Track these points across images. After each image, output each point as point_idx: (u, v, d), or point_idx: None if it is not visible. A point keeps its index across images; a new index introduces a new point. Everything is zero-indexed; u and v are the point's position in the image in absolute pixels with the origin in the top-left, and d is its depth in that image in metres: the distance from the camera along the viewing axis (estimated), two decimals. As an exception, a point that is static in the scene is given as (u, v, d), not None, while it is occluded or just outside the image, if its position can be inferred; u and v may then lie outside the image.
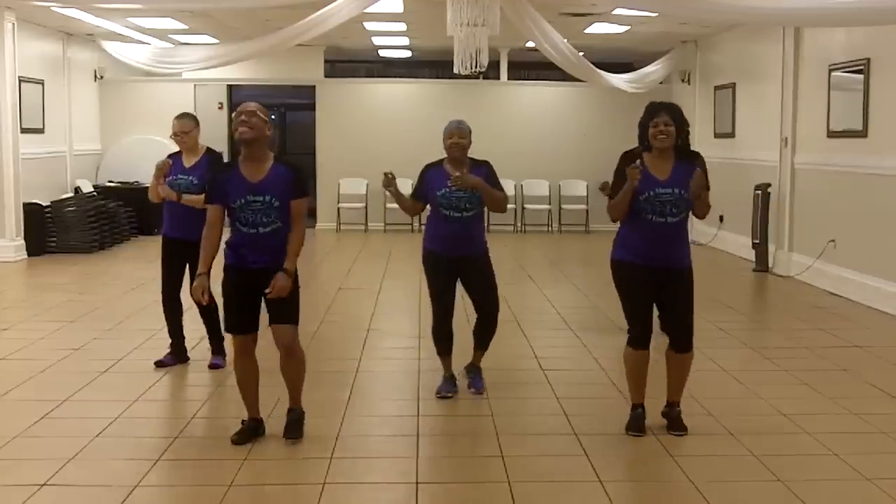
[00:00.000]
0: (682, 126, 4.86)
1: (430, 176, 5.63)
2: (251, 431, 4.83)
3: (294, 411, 4.91)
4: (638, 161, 4.79)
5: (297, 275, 4.80)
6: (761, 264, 11.16)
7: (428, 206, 5.74)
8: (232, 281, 4.76)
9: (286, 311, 4.76)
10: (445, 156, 5.64)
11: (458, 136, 5.55)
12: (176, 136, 6.33)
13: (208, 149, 6.42)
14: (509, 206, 15.24)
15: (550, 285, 10.15)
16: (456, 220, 5.55)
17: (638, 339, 4.96)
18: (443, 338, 5.78)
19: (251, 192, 4.66)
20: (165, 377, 6.15)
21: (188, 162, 6.33)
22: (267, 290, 4.62)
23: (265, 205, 4.65)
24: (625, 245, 4.97)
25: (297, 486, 4.33)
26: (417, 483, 4.32)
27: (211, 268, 4.85)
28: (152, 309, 8.42)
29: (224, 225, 4.81)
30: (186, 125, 6.32)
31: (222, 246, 4.82)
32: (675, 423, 5.03)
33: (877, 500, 4.17)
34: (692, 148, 5.03)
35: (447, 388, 5.73)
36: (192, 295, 4.87)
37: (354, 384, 6.02)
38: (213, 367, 6.31)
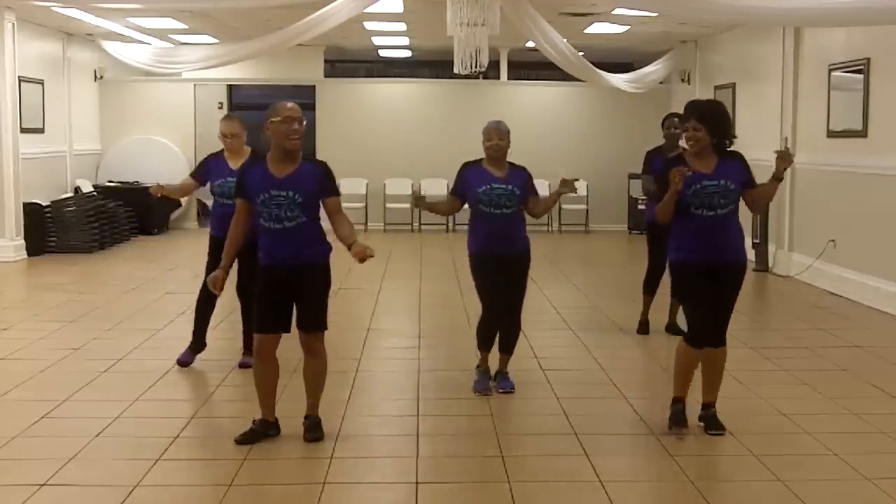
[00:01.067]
0: (716, 125, 4.86)
1: (470, 174, 5.66)
2: (260, 433, 4.81)
3: (311, 418, 4.90)
4: (687, 169, 4.81)
5: (328, 277, 4.84)
6: (761, 264, 11.16)
7: (466, 206, 5.79)
8: (264, 281, 4.78)
9: (316, 317, 4.80)
10: (483, 156, 5.68)
11: (497, 137, 5.60)
12: (225, 137, 6.28)
13: (253, 150, 6.36)
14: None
15: (550, 285, 10.14)
16: (497, 216, 5.59)
17: (695, 339, 4.94)
18: (489, 334, 5.80)
19: (275, 186, 4.66)
20: (165, 377, 6.15)
21: (235, 164, 6.23)
22: (359, 258, 4.58)
23: (288, 199, 4.65)
24: (680, 245, 4.97)
25: (297, 486, 4.33)
26: (417, 483, 4.32)
27: (231, 264, 4.91)
28: (152, 309, 8.43)
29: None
30: (235, 127, 6.27)
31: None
32: (712, 423, 5.02)
33: (877, 500, 4.17)
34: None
35: (485, 386, 5.75)
36: (207, 280, 4.92)
37: (354, 384, 6.03)
38: (243, 365, 6.27)
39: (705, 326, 4.94)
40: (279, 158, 4.71)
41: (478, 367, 5.89)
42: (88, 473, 4.40)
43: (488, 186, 5.55)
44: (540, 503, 4.17)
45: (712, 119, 4.87)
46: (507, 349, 5.91)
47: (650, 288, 7.51)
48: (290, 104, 4.70)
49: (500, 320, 5.74)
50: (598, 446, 4.81)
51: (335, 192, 4.83)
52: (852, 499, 4.21)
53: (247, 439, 4.77)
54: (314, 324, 4.81)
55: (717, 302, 4.96)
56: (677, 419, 5.02)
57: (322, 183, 4.74)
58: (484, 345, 5.85)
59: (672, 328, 7.36)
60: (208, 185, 6.39)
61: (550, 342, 7.30)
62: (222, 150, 6.38)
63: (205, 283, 6.33)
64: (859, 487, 4.29)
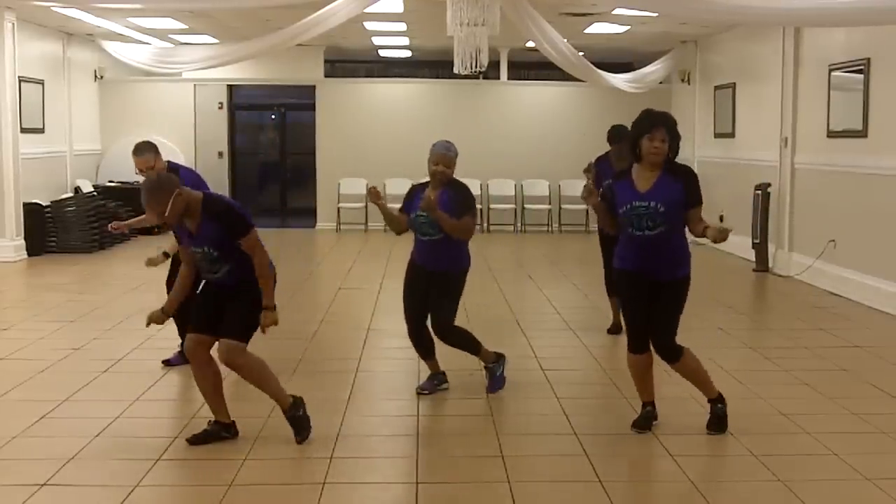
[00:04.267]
0: (675, 141, 4.79)
1: (415, 197, 5.61)
2: (213, 434, 4.80)
3: (288, 414, 4.86)
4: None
5: (255, 293, 4.70)
6: (761, 264, 11.16)
7: None
8: (202, 288, 4.83)
9: (226, 324, 4.67)
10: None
11: (444, 164, 5.53)
12: (142, 172, 5.94)
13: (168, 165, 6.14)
14: (509, 206, 15.39)
15: (550, 285, 10.15)
16: (424, 242, 5.59)
17: (630, 344, 4.98)
18: (414, 343, 5.81)
19: (193, 243, 4.67)
20: (166, 377, 6.15)
21: None
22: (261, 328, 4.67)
23: (206, 255, 4.64)
24: (620, 254, 5.00)
25: (297, 486, 4.33)
26: (417, 483, 4.32)
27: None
28: (152, 309, 8.41)
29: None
30: (149, 160, 5.99)
31: None
32: (711, 422, 5.03)
33: (877, 500, 4.17)
34: (691, 151, 4.97)
35: (425, 385, 5.78)
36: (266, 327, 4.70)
37: (354, 384, 6.02)
38: None
39: (637, 333, 4.93)
40: (189, 216, 4.63)
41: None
42: (88, 473, 4.41)
43: (415, 214, 5.52)
44: (540, 503, 4.17)
45: (675, 135, 4.77)
46: (467, 352, 5.80)
47: (613, 289, 7.46)
48: (148, 197, 4.54)
49: (420, 328, 5.71)
50: (598, 446, 4.81)
51: (242, 234, 4.60)
52: (852, 499, 4.21)
53: (198, 440, 4.76)
54: (224, 331, 4.67)
55: (651, 318, 4.87)
56: (640, 423, 5.04)
57: (226, 233, 4.59)
58: (419, 354, 5.85)
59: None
60: None
61: (550, 342, 7.31)
62: None
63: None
64: (859, 487, 4.30)
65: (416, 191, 5.69)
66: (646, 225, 4.74)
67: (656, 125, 4.73)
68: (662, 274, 4.83)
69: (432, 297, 5.64)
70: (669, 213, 4.72)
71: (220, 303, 4.73)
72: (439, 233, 5.50)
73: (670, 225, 4.75)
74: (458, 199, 5.52)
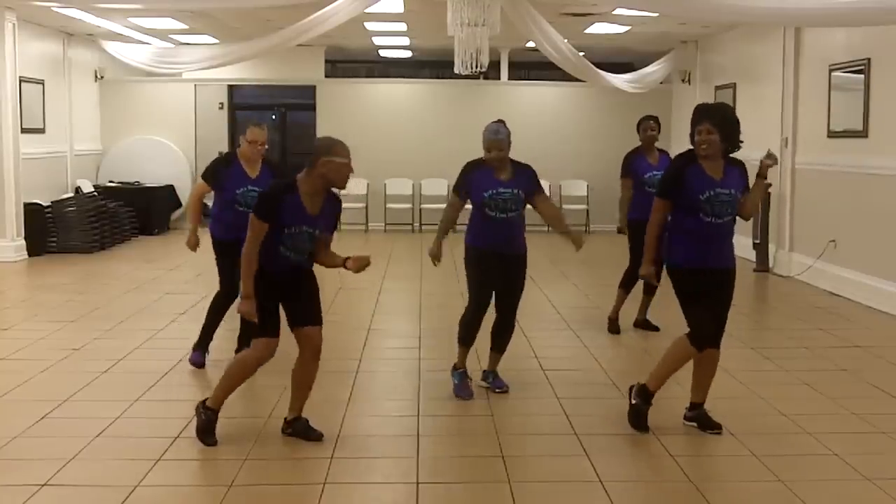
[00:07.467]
0: (727, 129, 4.86)
1: (477, 176, 5.55)
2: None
3: (304, 420, 4.89)
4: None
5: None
6: (762, 264, 11.16)
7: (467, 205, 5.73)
8: (272, 286, 4.67)
9: (320, 312, 4.80)
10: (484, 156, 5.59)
11: (496, 149, 5.49)
12: (256, 144, 5.97)
13: (265, 158, 6.15)
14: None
15: (550, 285, 10.14)
16: (501, 220, 5.55)
17: (705, 340, 4.90)
18: (473, 329, 5.72)
19: (307, 222, 4.64)
20: (165, 377, 6.15)
21: (251, 171, 6.06)
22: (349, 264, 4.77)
23: (311, 235, 4.69)
24: (685, 249, 4.92)
25: (297, 486, 4.33)
26: (418, 483, 4.32)
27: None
28: (152, 309, 8.43)
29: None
30: (266, 136, 6.02)
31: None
32: (709, 423, 5.03)
33: (877, 500, 4.17)
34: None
35: (469, 390, 5.71)
36: (243, 314, 4.64)
37: (355, 384, 6.02)
38: None
39: (711, 329, 4.92)
40: (316, 193, 4.64)
41: (455, 368, 5.82)
42: (89, 473, 4.41)
43: (495, 191, 5.49)
44: (540, 503, 4.18)
45: (725, 124, 4.86)
46: (503, 348, 5.88)
47: (627, 285, 7.57)
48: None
49: (481, 317, 5.71)
50: (598, 446, 4.81)
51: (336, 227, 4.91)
52: (852, 499, 4.21)
53: (212, 438, 4.75)
54: (321, 319, 4.82)
55: (714, 303, 4.97)
56: (642, 422, 5.02)
57: (336, 219, 4.85)
58: (467, 341, 5.78)
59: (644, 324, 7.45)
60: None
61: (550, 342, 7.31)
62: (234, 154, 6.16)
63: (226, 288, 6.17)
64: (859, 487, 4.30)
65: (476, 171, 5.55)
66: (726, 212, 4.85)
67: (701, 119, 4.88)
68: (726, 260, 4.98)
69: (511, 283, 5.65)
70: (739, 200, 4.90)
71: (283, 295, 4.71)
72: (518, 208, 5.56)
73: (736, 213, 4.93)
74: (531, 180, 5.59)
